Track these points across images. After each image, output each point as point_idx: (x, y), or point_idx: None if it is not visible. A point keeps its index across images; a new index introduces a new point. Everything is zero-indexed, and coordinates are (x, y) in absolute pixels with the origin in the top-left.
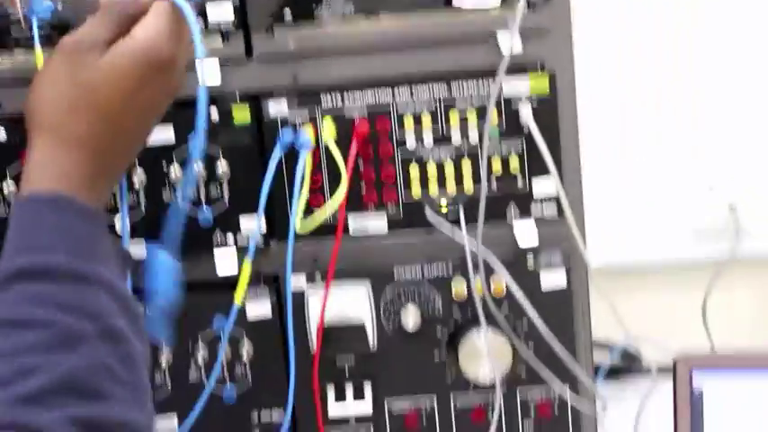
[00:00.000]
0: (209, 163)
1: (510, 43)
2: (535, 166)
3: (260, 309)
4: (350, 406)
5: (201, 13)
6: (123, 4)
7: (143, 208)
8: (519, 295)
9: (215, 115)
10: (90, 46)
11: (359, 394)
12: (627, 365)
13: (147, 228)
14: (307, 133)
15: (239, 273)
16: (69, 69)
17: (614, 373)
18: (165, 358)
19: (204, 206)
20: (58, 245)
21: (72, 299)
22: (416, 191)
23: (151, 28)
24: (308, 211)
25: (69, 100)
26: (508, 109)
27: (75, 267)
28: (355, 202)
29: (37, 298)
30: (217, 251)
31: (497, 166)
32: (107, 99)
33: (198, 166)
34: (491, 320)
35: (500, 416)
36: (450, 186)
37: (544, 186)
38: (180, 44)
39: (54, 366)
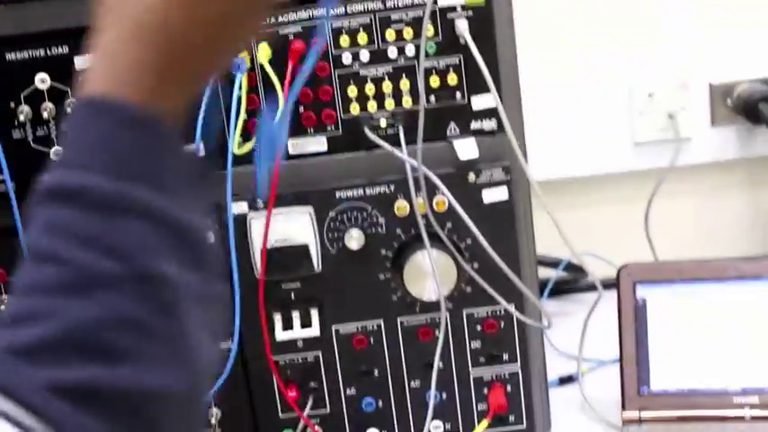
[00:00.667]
0: None
1: None
2: (474, 81)
3: None
4: (297, 333)
5: None
6: None
7: None
8: (460, 210)
9: None
10: None
11: (306, 321)
12: (572, 279)
13: None
14: (241, 55)
15: None
16: None
17: (560, 289)
18: None
19: None
20: (95, 161)
21: (99, 231)
22: (355, 110)
23: None
24: (248, 138)
25: None
26: (444, 22)
27: (110, 190)
28: (294, 126)
29: (60, 226)
30: None
31: (435, 82)
32: None
33: None
34: (435, 238)
35: (446, 334)
36: (389, 104)
37: (483, 101)
38: None
39: (61, 314)
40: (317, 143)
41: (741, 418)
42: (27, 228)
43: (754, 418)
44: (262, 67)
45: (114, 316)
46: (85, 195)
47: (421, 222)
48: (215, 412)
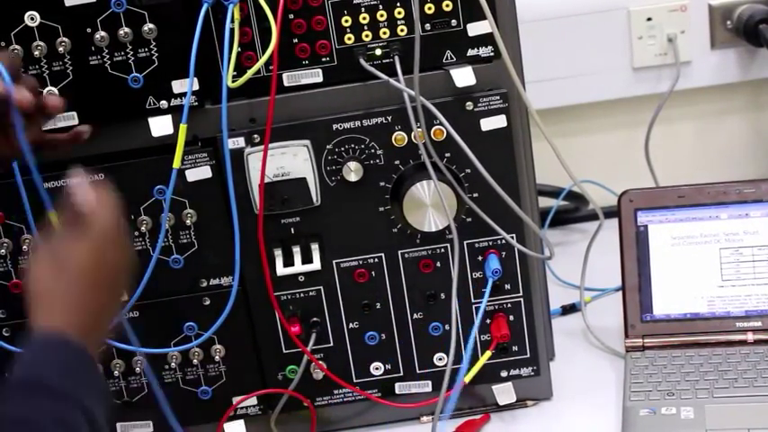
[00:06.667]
0: (135, 25)
1: None
2: (469, 7)
3: (200, 171)
4: (298, 269)
5: None
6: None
7: (69, 73)
8: (459, 139)
9: None
10: (55, 238)
11: (307, 256)
12: (573, 208)
13: (74, 92)
14: None
15: (176, 136)
16: (47, 262)
17: (561, 219)
18: None
19: (135, 72)
20: (58, 369)
21: (62, 414)
22: (349, 40)
23: (97, 207)
24: (243, 72)
25: (48, 273)
26: None
27: (66, 389)
28: (288, 58)
29: (36, 405)
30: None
31: (431, 9)
32: (76, 263)
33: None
34: (434, 168)
35: (448, 265)
36: (384, 33)
37: (479, 27)
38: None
39: None
40: (312, 75)
41: (744, 342)
42: (3, 402)
43: (758, 342)
44: None
45: None
46: (54, 391)
47: (423, 152)
48: (219, 349)
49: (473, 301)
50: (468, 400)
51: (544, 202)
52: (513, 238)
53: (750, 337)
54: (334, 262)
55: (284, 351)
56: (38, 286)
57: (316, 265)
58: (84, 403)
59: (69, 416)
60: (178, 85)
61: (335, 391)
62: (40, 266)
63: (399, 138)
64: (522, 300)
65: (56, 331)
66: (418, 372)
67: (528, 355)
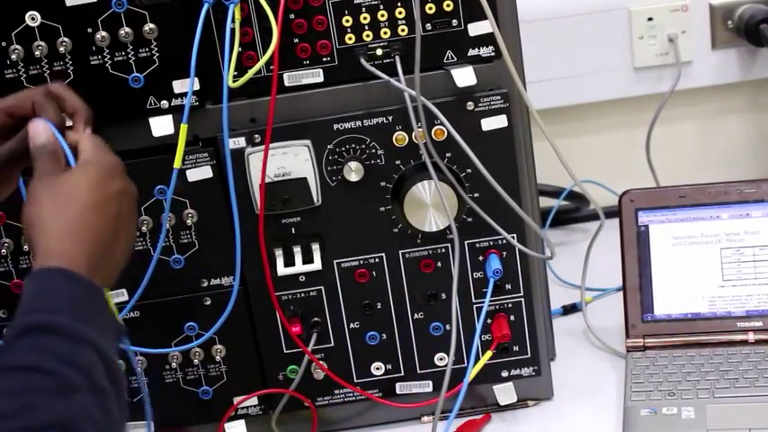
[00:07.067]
0: (136, 25)
1: None
2: (470, 7)
3: (201, 171)
4: (299, 269)
5: None
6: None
7: (70, 73)
8: (459, 139)
9: None
10: (49, 173)
11: (307, 256)
12: (574, 208)
13: (76, 92)
14: None
15: (176, 136)
16: (43, 191)
17: (562, 219)
18: None
19: (135, 72)
20: (63, 308)
21: (70, 354)
22: (350, 40)
23: (88, 144)
24: (243, 72)
25: (52, 207)
26: None
27: (75, 328)
28: (289, 57)
29: (43, 349)
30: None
31: (431, 9)
32: (80, 195)
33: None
34: (434, 168)
35: (449, 265)
36: (385, 33)
37: (480, 27)
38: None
39: (52, 408)
40: (313, 75)
41: (745, 342)
42: (7, 351)
43: (759, 342)
44: None
45: (83, 411)
46: (62, 330)
47: (424, 152)
48: (219, 349)
49: (474, 300)
50: (469, 399)
51: (545, 202)
52: (513, 238)
53: (751, 337)
54: (334, 262)
55: (285, 351)
56: (37, 221)
57: (316, 265)
58: (93, 339)
59: (78, 354)
60: (179, 85)
61: (336, 391)
62: (39, 200)
63: (400, 138)
64: (522, 300)
65: (59, 266)
66: (419, 372)
67: (529, 355)
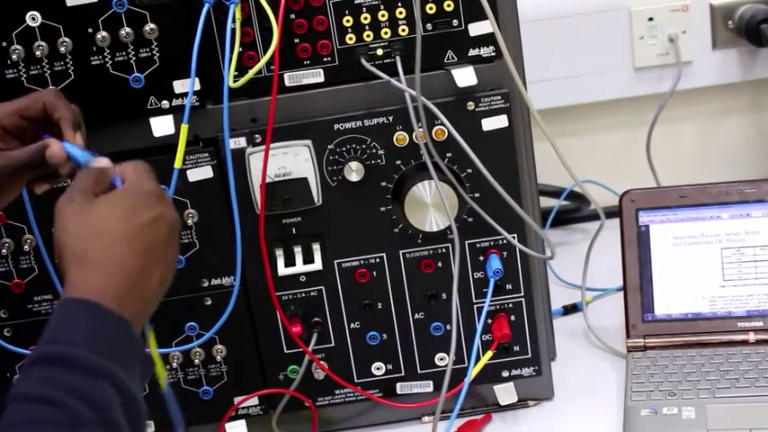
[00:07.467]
0: (137, 25)
1: None
2: (470, 7)
3: (201, 171)
4: (299, 269)
5: None
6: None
7: (71, 73)
8: (460, 139)
9: None
10: (82, 194)
11: (308, 256)
12: (575, 208)
13: (75, 92)
14: None
15: (177, 136)
16: (73, 218)
17: (562, 219)
18: None
19: (136, 72)
20: (82, 340)
21: (83, 387)
22: (351, 40)
23: (130, 172)
24: (244, 72)
25: (81, 235)
26: None
27: (92, 361)
28: (289, 58)
29: (55, 381)
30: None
31: (432, 9)
32: (110, 225)
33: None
34: (435, 168)
35: (449, 265)
36: (386, 33)
37: (481, 27)
38: (148, 176)
39: None
40: (314, 75)
41: (746, 342)
42: (20, 381)
43: (759, 342)
44: None
45: None
46: (75, 362)
47: (425, 152)
48: (220, 349)
49: (474, 300)
50: (469, 399)
51: (545, 202)
52: (514, 238)
53: (752, 337)
54: (335, 262)
55: (285, 351)
56: (66, 251)
57: (317, 265)
58: (113, 373)
59: (92, 388)
60: (179, 85)
61: (337, 392)
62: (68, 229)
63: (401, 138)
64: (523, 300)
65: (84, 297)
66: (419, 372)
67: (529, 355)
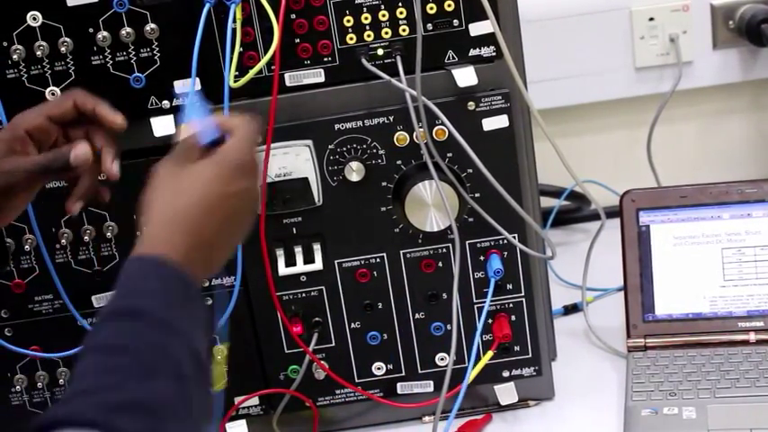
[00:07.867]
0: (137, 25)
1: None
2: (471, 7)
3: None
4: (300, 269)
5: None
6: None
7: (72, 73)
8: (461, 139)
9: None
10: (185, 155)
11: (308, 256)
12: (575, 208)
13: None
14: None
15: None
16: (163, 179)
17: (563, 219)
18: (111, 229)
19: (137, 72)
20: (155, 294)
21: (157, 339)
22: (351, 40)
23: (236, 135)
24: (244, 72)
25: (166, 193)
26: None
27: (164, 315)
28: (290, 58)
29: (130, 332)
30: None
31: (432, 9)
32: (196, 188)
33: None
34: (435, 168)
35: (450, 264)
36: (386, 33)
37: (481, 27)
38: (250, 143)
39: (133, 389)
40: (314, 75)
41: (746, 342)
42: (92, 333)
43: (760, 342)
44: None
45: (165, 396)
46: (149, 315)
47: (425, 152)
48: (221, 349)
49: (475, 300)
50: (470, 399)
51: (546, 202)
52: (514, 237)
53: (752, 337)
54: (336, 262)
55: (286, 351)
56: (148, 207)
57: (317, 265)
58: (181, 327)
59: (168, 344)
60: (180, 85)
61: (337, 391)
62: (156, 188)
63: (401, 138)
64: (523, 300)
65: (156, 255)
66: (420, 372)
67: (530, 355)
